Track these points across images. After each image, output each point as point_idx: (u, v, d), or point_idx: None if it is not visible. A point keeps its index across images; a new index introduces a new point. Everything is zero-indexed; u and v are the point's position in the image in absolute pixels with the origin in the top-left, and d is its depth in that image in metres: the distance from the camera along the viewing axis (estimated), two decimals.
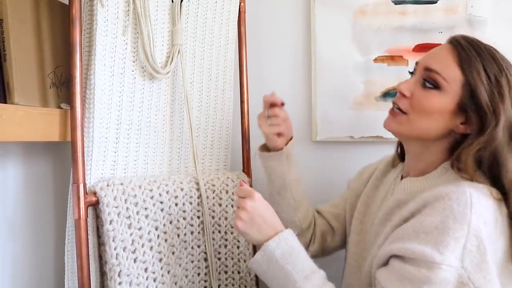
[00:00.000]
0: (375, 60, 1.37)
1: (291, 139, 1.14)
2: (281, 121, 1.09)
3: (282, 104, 1.10)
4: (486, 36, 1.30)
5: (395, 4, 1.36)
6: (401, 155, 1.05)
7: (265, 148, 1.15)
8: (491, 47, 0.88)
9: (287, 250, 0.87)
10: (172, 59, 1.08)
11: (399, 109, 0.92)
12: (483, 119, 0.84)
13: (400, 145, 1.05)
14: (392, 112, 0.94)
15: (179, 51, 1.10)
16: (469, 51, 0.86)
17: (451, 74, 0.86)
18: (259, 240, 0.90)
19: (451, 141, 0.89)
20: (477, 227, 0.77)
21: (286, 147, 1.12)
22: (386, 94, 1.36)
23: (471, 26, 1.32)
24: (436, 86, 0.87)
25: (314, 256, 1.13)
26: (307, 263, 0.88)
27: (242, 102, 1.30)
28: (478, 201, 0.78)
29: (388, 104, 0.96)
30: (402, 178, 0.98)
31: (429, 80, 0.88)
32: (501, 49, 0.89)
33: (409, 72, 0.96)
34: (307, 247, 1.17)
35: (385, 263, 0.85)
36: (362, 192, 1.10)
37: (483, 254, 0.77)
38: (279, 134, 1.10)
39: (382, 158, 1.13)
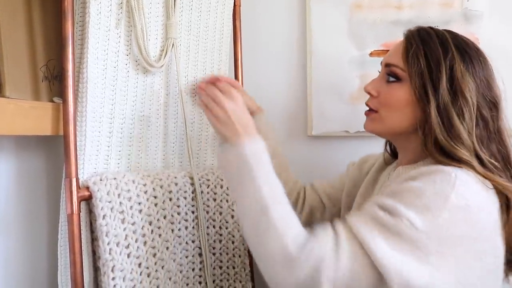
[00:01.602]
0: (371, 54, 1.37)
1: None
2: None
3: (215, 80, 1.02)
4: (482, 30, 1.30)
5: None
6: (393, 153, 1.05)
7: None
8: (448, 33, 0.90)
9: (259, 152, 0.87)
10: (166, 52, 1.07)
11: (371, 109, 0.96)
12: (424, 102, 0.86)
13: (388, 143, 1.06)
14: (365, 112, 0.98)
15: (173, 44, 1.09)
16: (414, 39, 0.89)
17: (404, 64, 0.89)
18: (231, 139, 0.88)
19: None
20: (455, 205, 0.76)
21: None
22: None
23: (467, 20, 1.31)
24: (397, 78, 0.91)
25: None
26: (272, 173, 0.86)
27: None
28: (463, 183, 0.78)
29: None
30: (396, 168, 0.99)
31: (390, 74, 0.92)
32: (497, 43, 0.90)
33: (379, 71, 0.99)
34: None
35: None
36: (361, 183, 1.09)
37: (452, 232, 0.76)
38: None
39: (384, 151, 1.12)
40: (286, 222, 0.81)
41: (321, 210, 1.18)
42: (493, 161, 0.84)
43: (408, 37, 0.91)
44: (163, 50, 1.08)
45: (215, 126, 0.92)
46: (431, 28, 0.92)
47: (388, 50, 1.33)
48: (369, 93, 0.96)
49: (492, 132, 0.86)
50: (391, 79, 0.91)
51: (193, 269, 1.09)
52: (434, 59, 0.86)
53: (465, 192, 0.77)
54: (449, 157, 0.83)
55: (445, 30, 0.91)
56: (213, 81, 0.98)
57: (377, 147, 1.13)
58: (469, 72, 0.85)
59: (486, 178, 0.81)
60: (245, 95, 1.13)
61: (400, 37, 1.32)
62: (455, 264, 0.77)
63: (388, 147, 1.06)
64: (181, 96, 1.11)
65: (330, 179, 1.22)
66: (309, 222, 1.18)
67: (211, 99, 0.93)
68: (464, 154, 0.82)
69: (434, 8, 1.33)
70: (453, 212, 0.76)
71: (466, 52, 0.87)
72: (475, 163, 0.81)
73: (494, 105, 0.87)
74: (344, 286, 0.76)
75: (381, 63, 0.97)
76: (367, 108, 0.98)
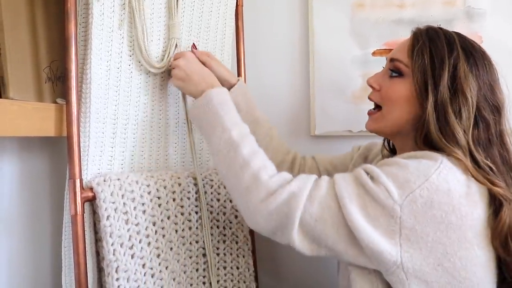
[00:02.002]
0: (373, 53, 1.36)
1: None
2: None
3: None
4: (485, 28, 1.29)
5: None
6: (391, 150, 1.05)
7: None
8: (456, 35, 0.90)
9: (224, 100, 0.95)
10: (169, 53, 1.07)
11: (374, 108, 0.98)
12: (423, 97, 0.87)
13: (386, 140, 1.07)
14: (368, 112, 0.99)
15: (176, 45, 1.09)
16: (421, 36, 0.90)
17: (409, 59, 0.90)
18: (198, 90, 0.98)
19: None
20: (435, 186, 0.77)
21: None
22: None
23: (470, 18, 1.31)
24: (399, 73, 0.92)
25: None
26: (238, 116, 0.94)
27: None
28: (447, 168, 0.79)
29: None
30: None
31: (393, 69, 0.93)
32: (500, 41, 0.90)
33: (383, 67, 0.99)
34: None
35: None
36: None
37: (428, 211, 0.77)
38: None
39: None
40: (256, 155, 0.87)
41: None
42: (489, 163, 0.83)
43: (416, 34, 0.92)
44: (165, 50, 1.08)
45: (178, 86, 1.05)
46: (440, 28, 0.92)
47: (391, 50, 1.34)
48: (371, 86, 0.98)
49: (493, 135, 0.86)
50: (394, 74, 0.92)
51: (197, 270, 1.09)
52: (439, 56, 0.86)
53: (448, 176, 0.79)
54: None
55: (454, 31, 0.91)
56: None
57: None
58: (472, 73, 0.85)
59: (476, 179, 0.80)
60: (221, 66, 1.14)
61: (402, 36, 1.33)
62: (432, 247, 0.78)
63: (386, 144, 1.06)
64: (183, 97, 1.11)
65: (332, 156, 1.21)
66: None
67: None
68: (456, 152, 0.82)
69: (436, 7, 1.33)
70: (432, 192, 0.77)
71: (472, 54, 0.87)
72: (467, 162, 0.81)
73: (496, 109, 0.87)
74: (310, 230, 0.81)
75: (386, 58, 0.98)
76: (370, 107, 0.99)
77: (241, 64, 1.31)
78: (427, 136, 0.86)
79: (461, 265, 0.79)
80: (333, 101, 1.38)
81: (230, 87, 1.12)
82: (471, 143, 0.83)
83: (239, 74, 1.30)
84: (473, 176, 0.80)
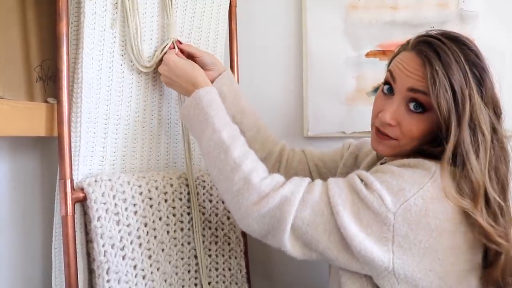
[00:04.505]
0: (367, 55, 1.36)
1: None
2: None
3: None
4: (477, 31, 1.30)
5: None
6: None
7: None
8: (459, 50, 0.82)
9: (213, 99, 0.94)
10: (160, 53, 1.06)
11: (386, 134, 0.88)
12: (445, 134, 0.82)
13: None
14: (378, 135, 0.89)
15: (173, 44, 1.08)
16: (434, 61, 0.81)
17: (430, 92, 0.82)
18: (188, 91, 0.98)
19: None
20: (429, 194, 0.77)
21: (213, 84, 1.08)
22: (378, 89, 1.35)
23: (463, 21, 1.32)
24: (423, 108, 0.84)
25: None
26: (227, 117, 0.94)
27: None
28: (442, 179, 0.79)
29: None
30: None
31: (418, 102, 0.84)
32: (492, 44, 0.89)
33: (383, 83, 0.92)
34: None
35: None
36: None
37: (422, 220, 0.77)
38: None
39: None
40: (246, 157, 0.87)
41: None
42: (499, 200, 0.80)
43: (428, 58, 0.82)
44: (156, 50, 1.07)
45: (170, 87, 1.05)
46: (440, 41, 0.83)
47: (384, 51, 1.35)
48: (388, 123, 0.86)
49: (501, 150, 0.83)
50: (417, 109, 0.84)
51: (188, 271, 1.08)
52: (459, 88, 0.80)
53: (442, 184, 0.78)
54: None
55: (451, 39, 0.84)
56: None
57: None
58: (484, 101, 0.81)
59: (483, 230, 0.77)
60: (209, 54, 1.14)
61: (396, 38, 1.34)
62: (425, 253, 0.78)
63: None
64: (180, 97, 1.11)
65: (322, 151, 1.19)
66: None
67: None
68: (466, 203, 0.78)
69: (429, 9, 1.33)
70: (427, 201, 0.77)
71: (478, 69, 0.82)
72: (477, 213, 0.77)
73: (499, 117, 0.84)
74: (302, 235, 0.81)
75: (389, 70, 0.91)
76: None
77: (234, 65, 1.30)
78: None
79: (453, 270, 0.80)
80: (326, 102, 1.38)
81: (218, 75, 1.12)
82: (486, 179, 0.79)
83: None
84: (481, 226, 0.77)
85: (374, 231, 0.78)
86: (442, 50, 0.82)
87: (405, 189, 0.78)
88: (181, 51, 1.08)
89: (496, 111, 0.84)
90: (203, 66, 1.10)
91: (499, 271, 0.81)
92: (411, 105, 0.85)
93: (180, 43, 1.08)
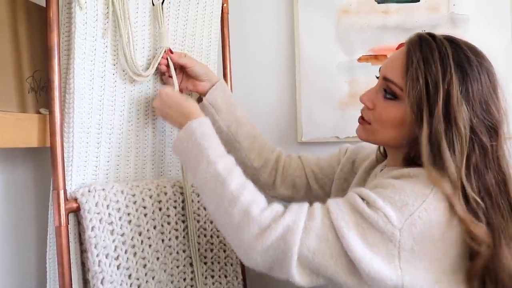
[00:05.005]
0: (359, 59, 1.37)
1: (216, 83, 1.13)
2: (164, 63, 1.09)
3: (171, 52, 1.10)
4: (468, 34, 1.31)
5: (378, 3, 1.36)
6: (384, 153, 1.04)
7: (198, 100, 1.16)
8: (450, 48, 0.84)
9: (206, 130, 0.93)
10: (156, 62, 1.07)
11: (364, 118, 0.94)
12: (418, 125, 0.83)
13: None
14: (359, 120, 0.96)
15: (165, 52, 1.08)
16: (415, 55, 0.84)
17: (403, 82, 0.85)
18: (181, 123, 0.96)
19: None
20: (432, 206, 0.77)
21: (207, 96, 1.11)
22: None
23: (454, 24, 1.32)
24: (394, 96, 0.87)
25: (284, 199, 1.17)
26: (221, 147, 0.92)
27: None
28: (439, 191, 0.78)
29: None
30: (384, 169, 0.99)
31: (388, 91, 0.88)
32: (482, 47, 0.89)
33: (376, 77, 0.95)
34: (272, 187, 1.18)
35: None
36: (351, 178, 1.09)
37: (428, 232, 0.77)
38: (188, 80, 1.12)
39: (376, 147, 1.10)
40: (244, 189, 0.84)
41: (305, 188, 1.16)
42: (479, 200, 0.80)
43: (409, 51, 0.86)
44: (150, 59, 1.07)
45: (164, 118, 1.04)
46: (433, 38, 0.86)
47: (376, 55, 1.35)
48: (364, 103, 0.94)
49: (490, 160, 0.82)
50: (388, 95, 0.88)
51: (184, 279, 1.08)
52: (433, 81, 0.81)
53: (442, 197, 0.78)
54: None
55: (447, 39, 0.86)
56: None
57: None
58: (465, 98, 0.81)
59: (459, 215, 0.78)
60: (201, 65, 1.14)
61: (388, 42, 1.35)
62: (430, 266, 0.78)
63: (380, 148, 1.05)
64: (172, 67, 1.10)
65: (319, 157, 1.19)
66: (291, 197, 1.17)
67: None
68: (446, 188, 0.78)
69: (421, 13, 1.34)
70: (430, 213, 0.77)
71: (466, 71, 0.82)
72: (455, 201, 0.78)
73: (493, 129, 0.83)
74: (309, 263, 0.79)
75: (379, 69, 0.94)
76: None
77: (227, 72, 1.30)
78: (419, 160, 0.84)
79: (457, 280, 0.80)
80: (319, 107, 1.39)
81: (211, 86, 1.12)
82: (463, 177, 0.79)
83: (225, 81, 1.29)
84: (457, 214, 0.78)
85: (381, 249, 0.77)
86: (426, 45, 0.85)
87: (409, 204, 0.77)
88: (173, 62, 1.08)
89: (493, 117, 0.83)
90: (196, 77, 1.11)
91: (478, 269, 0.80)
92: (385, 92, 0.89)
93: (172, 52, 1.08)
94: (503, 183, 0.83)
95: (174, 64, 1.09)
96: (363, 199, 0.81)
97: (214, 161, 0.87)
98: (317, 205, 0.83)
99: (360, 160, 1.11)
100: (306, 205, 0.83)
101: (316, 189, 1.16)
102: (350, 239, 0.76)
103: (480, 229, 0.78)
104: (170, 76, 1.08)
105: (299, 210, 0.81)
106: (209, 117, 1.08)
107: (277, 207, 0.83)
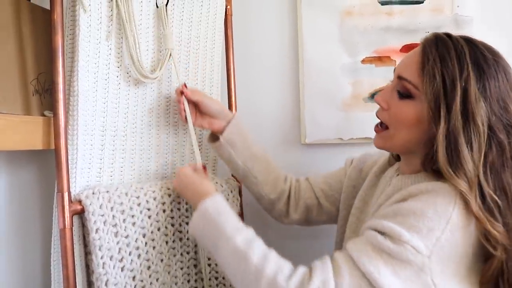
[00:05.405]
0: (363, 61, 1.37)
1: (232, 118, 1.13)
2: (182, 107, 1.09)
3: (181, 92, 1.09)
4: (472, 35, 1.29)
5: (382, 4, 1.36)
6: (397, 155, 1.03)
7: (212, 136, 1.16)
8: (467, 46, 0.84)
9: (220, 207, 0.91)
10: (163, 63, 1.07)
11: (381, 124, 0.93)
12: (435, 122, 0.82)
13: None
14: (375, 129, 0.95)
15: (170, 55, 1.08)
16: (431, 53, 0.84)
17: (419, 80, 0.84)
18: (195, 203, 0.94)
19: None
20: (455, 226, 0.76)
21: (224, 134, 1.11)
22: (374, 95, 1.35)
23: (458, 26, 1.32)
24: (409, 95, 0.86)
25: (298, 224, 1.18)
26: (239, 221, 0.90)
27: (230, 106, 1.29)
28: (462, 203, 0.77)
29: (377, 106, 0.95)
30: (398, 175, 0.97)
31: (402, 90, 0.87)
32: None
33: (391, 82, 0.95)
34: (286, 215, 1.18)
35: None
36: (360, 185, 1.08)
37: (454, 252, 0.77)
38: (203, 117, 1.12)
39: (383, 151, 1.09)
40: (267, 260, 0.81)
41: (317, 208, 1.16)
42: (496, 198, 0.79)
43: (425, 49, 0.86)
44: (154, 61, 1.07)
45: (182, 196, 1.05)
46: (449, 37, 0.86)
47: (380, 57, 1.35)
48: (379, 103, 0.93)
49: (508, 158, 0.82)
50: (403, 95, 0.87)
51: (188, 281, 1.08)
52: (450, 78, 0.81)
53: (465, 209, 0.77)
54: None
55: (464, 39, 0.86)
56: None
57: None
58: (483, 95, 0.80)
59: (476, 216, 0.77)
60: (214, 101, 1.14)
61: (391, 44, 1.35)
62: (460, 284, 0.78)
63: (391, 155, 1.05)
64: (187, 108, 1.10)
65: (326, 175, 1.19)
66: (306, 218, 1.18)
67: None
68: (462, 186, 0.78)
69: (424, 14, 1.34)
70: (454, 232, 0.76)
71: (483, 69, 0.82)
72: (472, 198, 0.77)
73: (511, 127, 0.82)
74: None
75: (393, 70, 0.93)
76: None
77: (231, 73, 1.30)
78: (435, 163, 0.83)
79: (470, 282, 0.81)
80: (323, 109, 1.38)
81: (226, 123, 1.12)
82: (481, 174, 0.79)
83: (228, 83, 1.29)
84: (474, 214, 0.77)
85: (415, 282, 0.76)
86: (442, 43, 0.85)
87: (434, 228, 0.76)
88: (187, 99, 1.08)
89: (504, 120, 0.82)
90: (211, 115, 1.11)
91: (493, 273, 0.80)
92: (399, 91, 0.88)
93: (186, 86, 1.08)
94: None
95: (188, 100, 1.09)
96: (382, 233, 0.79)
97: (232, 236, 0.85)
98: (339, 257, 0.80)
99: (368, 167, 1.11)
100: (328, 261, 0.81)
101: (327, 206, 1.16)
102: (383, 281, 0.75)
103: (498, 228, 0.78)
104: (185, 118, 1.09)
105: (325, 268, 0.79)
106: (226, 154, 1.11)
107: (302, 270, 0.80)
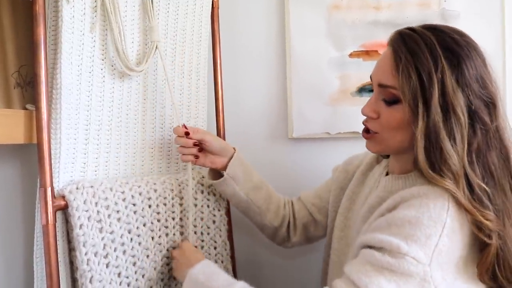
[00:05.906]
0: (351, 55, 1.36)
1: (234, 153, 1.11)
2: (188, 148, 1.07)
3: (186, 133, 1.06)
4: None
5: None
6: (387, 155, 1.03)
7: (212, 172, 1.14)
8: (433, 36, 0.83)
9: (209, 272, 0.93)
10: (149, 56, 1.05)
11: (368, 130, 0.91)
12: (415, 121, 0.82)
13: None
14: (364, 135, 0.93)
15: (156, 47, 1.06)
16: (401, 50, 0.83)
17: (398, 82, 0.83)
18: (183, 276, 0.95)
19: None
20: (451, 229, 0.76)
21: (227, 170, 1.09)
22: (362, 90, 1.35)
23: (445, 20, 1.32)
24: (396, 100, 0.85)
25: (299, 245, 1.19)
26: (230, 279, 0.92)
27: (216, 99, 1.28)
28: (454, 205, 0.77)
29: (364, 100, 0.95)
30: (387, 174, 0.97)
31: (388, 97, 0.86)
32: None
33: (370, 90, 0.94)
34: (288, 239, 1.19)
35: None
36: (347, 186, 1.08)
37: (451, 256, 0.77)
38: (206, 155, 1.10)
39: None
40: None
41: (313, 224, 1.18)
42: (484, 186, 0.79)
43: (395, 49, 0.85)
44: (139, 53, 1.05)
45: (176, 269, 1.04)
46: (413, 31, 0.85)
47: (368, 51, 1.35)
48: (367, 116, 0.91)
49: (492, 137, 0.82)
50: (389, 101, 0.86)
51: (174, 277, 1.06)
52: (426, 72, 0.80)
53: (457, 212, 0.77)
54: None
55: (428, 29, 0.85)
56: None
57: (358, 148, 1.13)
58: (459, 83, 0.80)
59: (466, 209, 0.77)
60: (216, 138, 1.13)
61: (379, 38, 1.34)
62: (464, 284, 0.79)
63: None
64: (173, 100, 1.09)
65: (316, 188, 1.20)
66: (305, 237, 1.19)
67: None
68: (446, 184, 0.78)
69: (412, 9, 1.34)
70: (450, 236, 0.76)
71: (455, 54, 0.81)
72: (459, 193, 0.77)
73: (492, 103, 0.82)
74: None
75: (370, 77, 0.92)
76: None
77: (217, 67, 1.29)
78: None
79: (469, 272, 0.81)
80: (310, 103, 1.38)
81: (228, 160, 1.10)
82: (466, 165, 0.79)
83: (215, 77, 1.28)
84: (464, 207, 0.77)
85: None
86: (410, 38, 0.84)
87: (431, 235, 0.76)
88: (187, 136, 1.06)
89: (490, 91, 0.82)
90: (213, 153, 1.09)
91: (491, 260, 0.80)
92: (385, 99, 0.87)
93: (186, 127, 1.06)
94: (507, 158, 0.83)
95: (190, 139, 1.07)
96: (379, 248, 0.78)
97: None
98: (340, 286, 0.79)
99: (355, 167, 1.11)
100: None
101: (321, 220, 1.16)
102: None
103: (489, 217, 0.78)
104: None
105: None
106: (230, 189, 1.11)
107: None
